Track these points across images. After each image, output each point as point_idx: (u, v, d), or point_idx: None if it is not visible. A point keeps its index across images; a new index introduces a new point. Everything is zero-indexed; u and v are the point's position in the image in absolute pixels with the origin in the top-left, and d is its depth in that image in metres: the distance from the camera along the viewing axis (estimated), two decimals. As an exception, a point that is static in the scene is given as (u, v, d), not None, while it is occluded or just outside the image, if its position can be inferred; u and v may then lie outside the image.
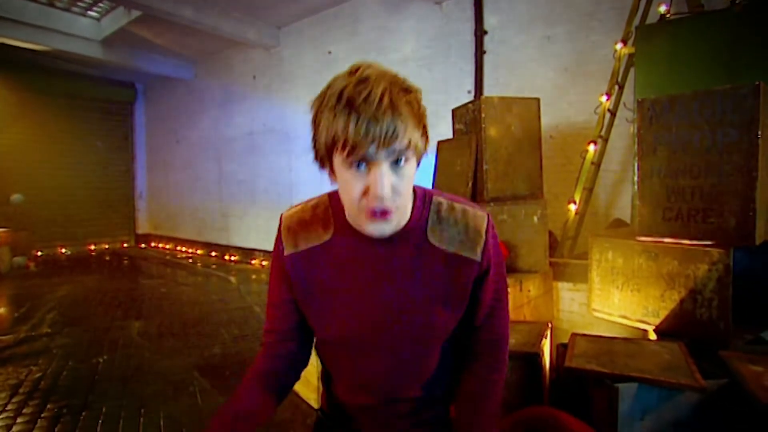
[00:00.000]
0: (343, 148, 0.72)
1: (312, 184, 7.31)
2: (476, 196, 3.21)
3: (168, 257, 9.73)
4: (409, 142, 0.74)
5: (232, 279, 7.39)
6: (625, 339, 2.17)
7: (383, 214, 0.76)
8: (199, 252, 9.96)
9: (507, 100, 3.18)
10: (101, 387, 3.30)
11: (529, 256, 3.15)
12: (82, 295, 6.19)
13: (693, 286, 2.16)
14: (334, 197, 0.91)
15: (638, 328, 2.46)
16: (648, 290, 2.37)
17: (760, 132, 1.92)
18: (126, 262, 9.30)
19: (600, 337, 2.22)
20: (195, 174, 10.00)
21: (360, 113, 0.70)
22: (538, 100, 3.28)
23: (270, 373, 0.95)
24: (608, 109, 3.70)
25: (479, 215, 0.88)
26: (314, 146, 0.80)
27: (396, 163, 0.75)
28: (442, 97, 5.83)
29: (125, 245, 11.29)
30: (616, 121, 3.95)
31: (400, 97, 0.72)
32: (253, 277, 7.56)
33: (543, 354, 2.17)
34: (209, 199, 9.65)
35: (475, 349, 0.96)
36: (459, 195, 3.33)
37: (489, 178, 3.15)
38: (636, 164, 2.33)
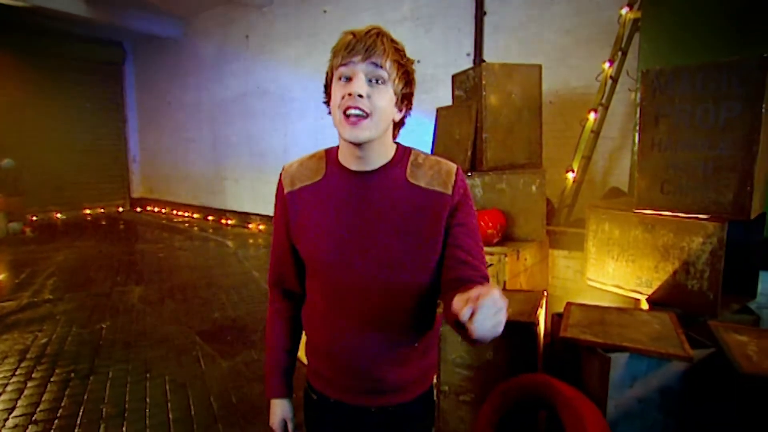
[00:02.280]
0: (338, 62, 0.92)
1: (307, 149, 7.22)
2: (475, 165, 3.20)
3: (164, 221, 9.72)
4: (386, 69, 0.91)
5: (230, 243, 7.44)
6: (618, 309, 2.23)
7: (357, 119, 0.90)
8: (195, 216, 9.96)
9: (508, 67, 3.12)
10: (106, 352, 3.38)
11: (527, 225, 3.18)
12: (80, 260, 6.23)
13: (686, 258, 2.21)
14: (329, 150, 1.06)
15: (631, 298, 2.52)
16: (642, 261, 2.42)
17: (764, 106, 1.91)
18: (122, 226, 9.30)
19: (594, 306, 2.27)
20: (188, 137, 9.84)
21: (355, 37, 0.91)
22: (539, 67, 3.21)
23: (283, 310, 1.18)
24: (610, 76, 3.63)
25: (450, 163, 1.03)
26: (324, 82, 1.00)
27: (372, 81, 0.91)
28: (441, 59, 5.70)
29: (120, 209, 11.25)
30: (617, 87, 3.89)
31: (387, 39, 0.93)
32: (250, 241, 7.60)
33: (538, 323, 2.23)
34: (204, 163, 9.55)
35: (456, 273, 0.96)
36: (458, 164, 3.31)
37: (488, 147, 3.13)
38: (637, 136, 2.32)
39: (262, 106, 8.02)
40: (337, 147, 1.04)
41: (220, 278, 5.38)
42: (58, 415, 2.59)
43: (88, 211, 10.55)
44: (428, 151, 3.73)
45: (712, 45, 2.54)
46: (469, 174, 3.20)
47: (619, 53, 3.58)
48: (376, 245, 0.97)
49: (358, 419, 1.05)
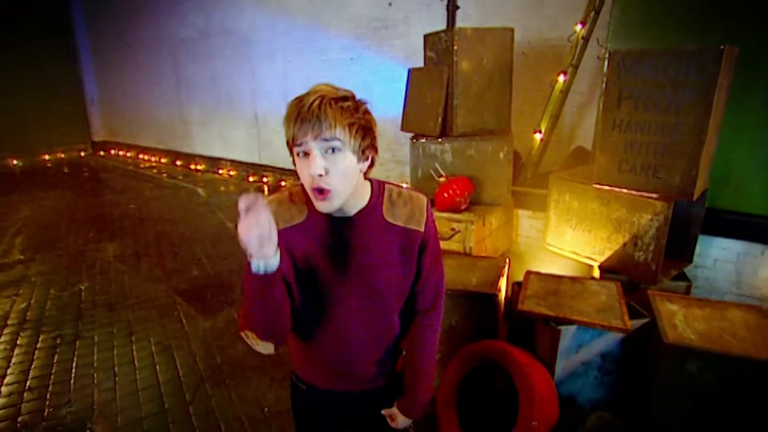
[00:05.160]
0: (292, 141, 0.95)
1: (276, 93, 7.00)
2: (446, 130, 3.25)
3: (131, 168, 9.43)
4: (337, 138, 0.93)
5: (201, 191, 7.36)
6: (571, 278, 2.44)
7: (322, 192, 0.96)
8: (162, 161, 9.68)
9: (481, 32, 3.08)
10: (89, 315, 3.48)
11: (494, 190, 3.31)
12: (47, 215, 6.09)
13: (636, 231, 2.41)
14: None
15: (585, 264, 2.75)
16: (597, 232, 2.61)
17: (715, 96, 2.01)
18: (87, 174, 8.98)
19: (550, 276, 2.49)
20: (149, 78, 9.29)
21: (299, 114, 0.93)
22: (512, 30, 3.18)
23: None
24: (582, 37, 3.62)
25: (421, 197, 1.14)
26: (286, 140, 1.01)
27: (328, 152, 0.94)
28: (413, 2, 5.46)
29: (82, 154, 10.77)
30: (589, 43, 3.88)
31: (333, 105, 0.93)
32: (222, 188, 7.54)
33: (500, 292, 2.44)
34: (168, 105, 9.12)
35: (420, 307, 1.19)
36: (428, 129, 3.34)
37: (459, 113, 3.16)
38: (600, 116, 2.41)
39: (227, 47, 7.58)
40: None
41: (194, 231, 5.40)
42: (51, 381, 2.73)
43: (47, 157, 10.09)
44: (400, 108, 3.73)
45: (685, 13, 2.56)
46: (439, 140, 3.25)
47: (592, 13, 3.54)
48: (362, 281, 1.08)
49: (343, 400, 1.25)
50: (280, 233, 1.03)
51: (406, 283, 1.14)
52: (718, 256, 2.78)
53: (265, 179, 7.67)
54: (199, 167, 8.88)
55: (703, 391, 1.81)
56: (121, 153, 10.64)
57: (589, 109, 4.57)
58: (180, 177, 8.40)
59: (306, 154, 0.95)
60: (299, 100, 0.95)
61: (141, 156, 10.19)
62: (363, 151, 0.99)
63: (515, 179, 3.77)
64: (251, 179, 7.82)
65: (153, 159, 9.92)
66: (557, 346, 2.05)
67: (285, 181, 7.25)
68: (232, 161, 8.25)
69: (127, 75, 9.84)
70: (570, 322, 2.04)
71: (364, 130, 0.98)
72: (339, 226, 1.06)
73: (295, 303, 1.11)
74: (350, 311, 1.11)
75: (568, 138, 4.72)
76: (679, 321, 1.99)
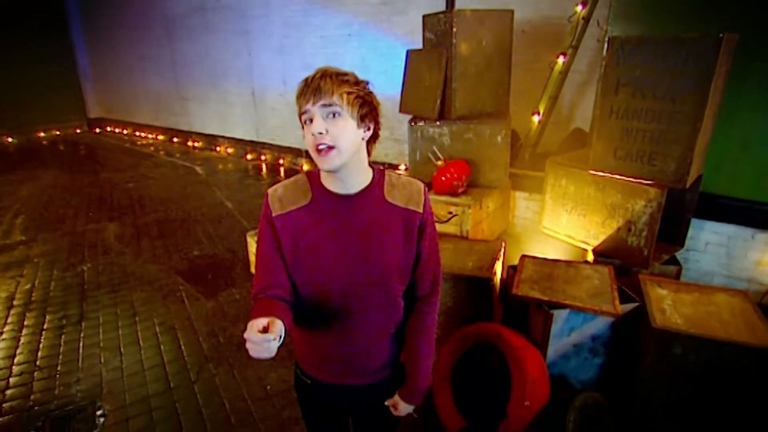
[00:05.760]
0: (298, 108, 1.06)
1: (273, 69, 6.91)
2: (444, 113, 3.25)
3: (128, 145, 9.38)
4: (337, 104, 1.02)
5: (199, 169, 7.36)
6: (566, 262, 2.50)
7: (324, 151, 1.04)
8: (159, 138, 9.62)
9: (480, 14, 3.04)
10: (93, 297, 3.54)
11: (491, 173, 3.34)
12: (46, 194, 6.10)
13: (630, 217, 2.45)
14: (310, 174, 1.18)
15: (580, 248, 2.81)
16: (592, 216, 2.66)
17: (713, 85, 2.02)
18: (83, 152, 8.94)
19: (545, 260, 2.54)
20: (144, 53, 9.14)
21: (305, 84, 1.05)
22: (511, 12, 3.14)
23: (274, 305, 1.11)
24: (582, 17, 3.58)
25: (418, 183, 1.21)
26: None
27: (328, 116, 1.04)
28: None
29: (78, 131, 10.69)
30: (590, 23, 3.83)
31: (333, 76, 1.04)
32: (220, 167, 7.53)
33: (495, 275, 2.50)
34: (163, 82, 9.00)
35: (418, 293, 1.24)
36: (427, 112, 3.33)
37: (457, 96, 3.16)
38: (598, 102, 2.42)
39: (223, 22, 7.43)
40: (318, 171, 1.15)
41: (193, 211, 5.43)
42: (59, 361, 2.81)
43: (42, 134, 10.00)
44: (398, 85, 3.70)
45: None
46: (438, 123, 3.26)
47: (593, -8, 3.49)
48: (369, 259, 1.12)
49: (347, 394, 1.29)
50: (286, 215, 1.13)
51: (407, 265, 1.19)
52: (710, 240, 2.84)
53: (263, 157, 7.65)
54: (196, 144, 8.84)
55: (687, 373, 1.89)
56: (117, 130, 10.56)
57: (588, 89, 4.53)
58: (177, 155, 8.37)
59: (311, 120, 1.04)
60: (305, 78, 1.05)
61: (137, 133, 10.11)
62: (362, 119, 1.07)
63: (513, 159, 3.78)
64: (249, 157, 7.80)
65: (149, 136, 9.85)
66: (550, 329, 2.12)
67: (283, 158, 7.23)
68: (230, 139, 8.21)
69: (121, 51, 9.68)
70: (563, 306, 2.10)
71: (362, 99, 1.06)
72: (342, 203, 1.12)
73: (298, 293, 1.15)
74: (356, 294, 1.14)
75: (567, 118, 4.71)
76: (668, 305, 2.06)
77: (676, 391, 1.94)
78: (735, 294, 2.11)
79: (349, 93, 1.04)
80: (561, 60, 3.63)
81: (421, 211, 1.17)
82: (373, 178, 1.15)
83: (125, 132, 10.35)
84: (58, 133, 10.30)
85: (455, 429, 2.12)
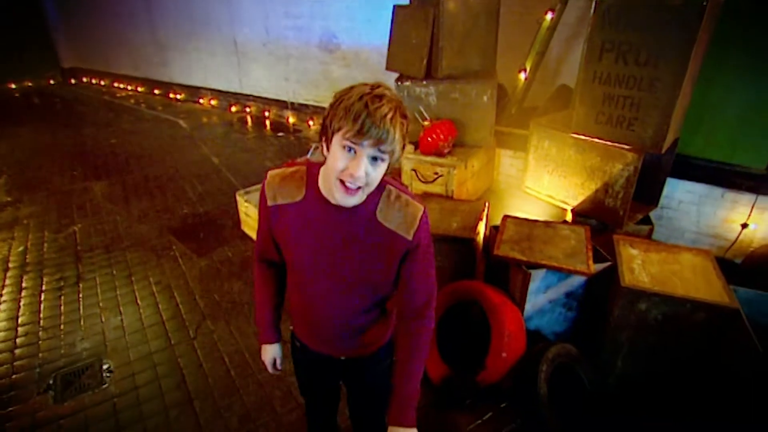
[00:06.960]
0: (346, 133, 0.96)
1: (255, 18, 6.63)
2: (430, 72, 3.23)
3: (106, 97, 9.06)
4: (390, 151, 0.99)
5: (182, 123, 7.21)
6: (545, 223, 2.62)
7: (353, 190, 1.02)
8: (139, 90, 9.30)
9: (468, -32, 2.95)
10: (87, 257, 3.61)
11: (477, 133, 3.38)
12: (27, 152, 5.97)
13: (607, 180, 2.55)
14: (311, 168, 1.16)
15: (560, 207, 2.92)
16: (572, 178, 2.76)
17: (693, 52, 2.06)
18: (59, 105, 8.62)
19: (525, 220, 2.66)
20: (115, -2, 8.63)
21: (369, 117, 0.94)
22: (500, -34, 3.05)
23: (269, 276, 1.40)
24: (572, -30, 3.49)
25: (418, 207, 1.15)
26: (324, 123, 1.03)
27: (375, 159, 1.00)
28: None
29: (51, 82, 10.24)
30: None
31: (398, 119, 0.98)
32: (204, 120, 7.38)
33: (478, 235, 2.62)
34: (139, 30, 8.57)
35: (407, 314, 1.24)
36: (413, 71, 3.31)
37: (444, 56, 3.13)
38: (582, 67, 2.44)
39: (197, -36, 7.02)
40: (318, 168, 1.13)
41: (180, 167, 5.40)
42: (62, 321, 2.93)
43: (13, 86, 9.57)
44: (384, 35, 3.61)
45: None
46: (424, 82, 3.25)
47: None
48: (343, 267, 1.15)
49: (331, 364, 1.41)
50: (278, 207, 1.17)
51: (386, 282, 1.19)
52: (683, 198, 2.98)
53: (248, 109, 7.50)
54: (178, 97, 8.60)
55: (649, 326, 2.07)
56: (94, 81, 10.15)
57: (575, 43, 4.49)
58: (159, 108, 8.15)
59: (354, 151, 0.98)
60: (365, 98, 0.95)
61: (116, 84, 9.74)
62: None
63: (500, 114, 3.80)
64: (233, 109, 7.65)
65: (129, 88, 9.51)
66: (527, 286, 2.27)
67: (269, 111, 7.11)
68: (213, 90, 7.99)
69: (90, -6, 9.11)
70: (540, 266, 2.24)
71: (404, 140, 1.03)
72: (331, 213, 1.11)
73: (289, 265, 1.25)
74: (320, 290, 1.21)
75: (553, 73, 4.69)
76: (637, 265, 2.21)
77: (639, 342, 2.13)
78: (698, 253, 2.26)
79: (403, 145, 1.01)
80: (549, 16, 3.58)
81: (410, 238, 1.12)
82: (369, 194, 1.10)
83: (103, 83, 9.96)
84: (30, 84, 9.87)
85: (439, 377, 2.31)
